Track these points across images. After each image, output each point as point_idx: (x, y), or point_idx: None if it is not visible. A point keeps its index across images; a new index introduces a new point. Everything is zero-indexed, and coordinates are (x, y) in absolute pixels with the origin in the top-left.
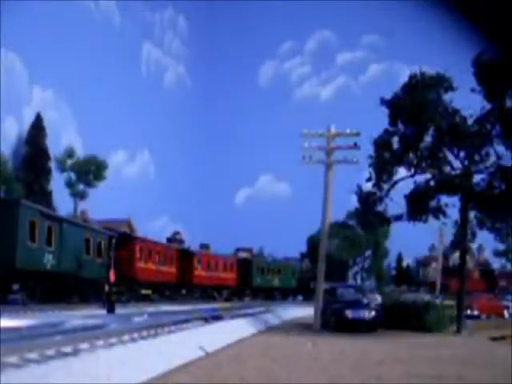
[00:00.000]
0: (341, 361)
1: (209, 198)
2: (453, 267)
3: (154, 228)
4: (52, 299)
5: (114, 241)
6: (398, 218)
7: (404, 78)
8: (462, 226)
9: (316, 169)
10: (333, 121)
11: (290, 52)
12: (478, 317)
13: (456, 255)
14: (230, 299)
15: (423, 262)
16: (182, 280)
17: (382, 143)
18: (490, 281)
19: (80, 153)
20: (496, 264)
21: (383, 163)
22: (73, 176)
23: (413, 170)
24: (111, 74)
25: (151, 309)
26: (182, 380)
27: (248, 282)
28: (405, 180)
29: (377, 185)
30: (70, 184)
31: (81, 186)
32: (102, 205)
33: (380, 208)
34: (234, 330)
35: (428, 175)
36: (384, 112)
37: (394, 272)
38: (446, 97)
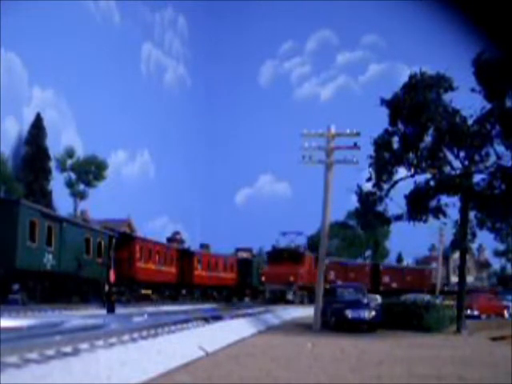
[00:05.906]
0: (341, 361)
1: (209, 198)
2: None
3: (154, 228)
4: (52, 299)
5: (114, 241)
6: (398, 218)
7: (404, 78)
8: (462, 226)
9: (316, 169)
10: (333, 121)
11: (290, 52)
12: (478, 317)
13: (456, 255)
14: (229, 299)
15: (423, 262)
16: (182, 280)
17: (382, 143)
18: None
19: (80, 153)
20: (496, 264)
21: (383, 163)
22: (73, 176)
23: (413, 170)
24: (111, 74)
25: (151, 309)
26: (181, 380)
27: (248, 282)
28: (405, 180)
29: (377, 185)
30: (70, 184)
31: (81, 186)
32: (102, 205)
33: (380, 208)
34: (234, 329)
35: (428, 175)
36: (384, 112)
37: None
38: (446, 97)
